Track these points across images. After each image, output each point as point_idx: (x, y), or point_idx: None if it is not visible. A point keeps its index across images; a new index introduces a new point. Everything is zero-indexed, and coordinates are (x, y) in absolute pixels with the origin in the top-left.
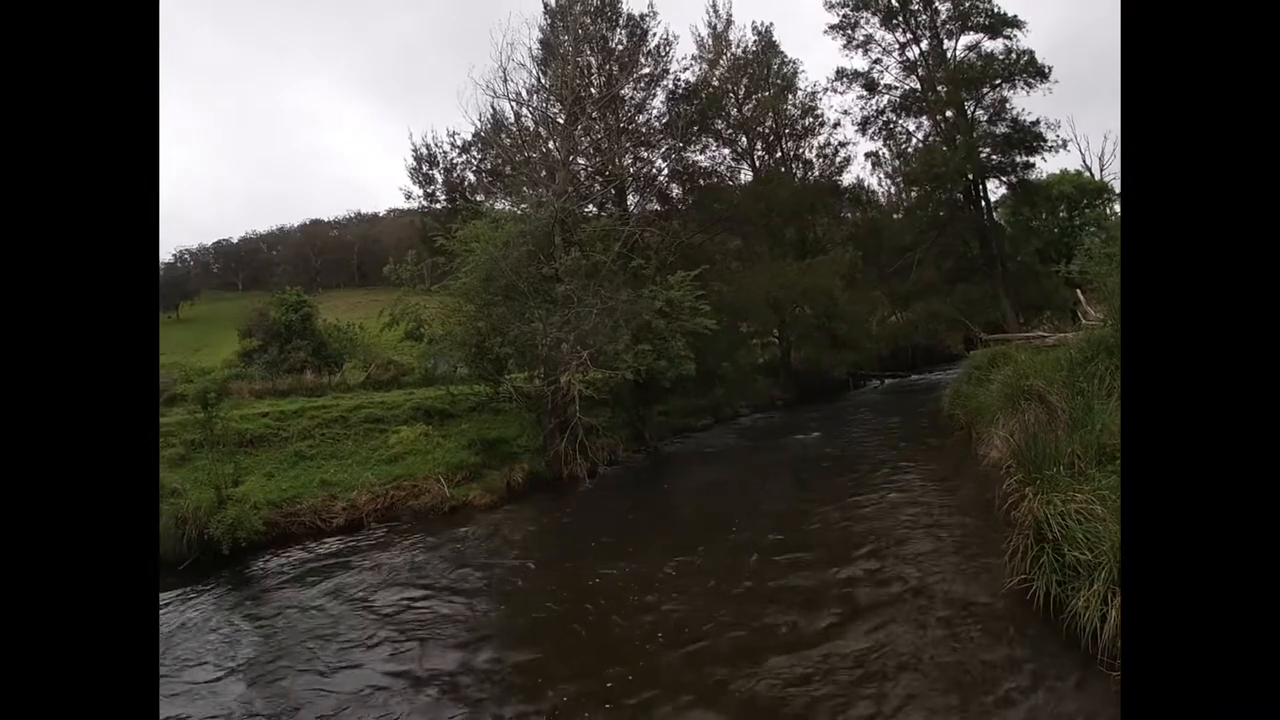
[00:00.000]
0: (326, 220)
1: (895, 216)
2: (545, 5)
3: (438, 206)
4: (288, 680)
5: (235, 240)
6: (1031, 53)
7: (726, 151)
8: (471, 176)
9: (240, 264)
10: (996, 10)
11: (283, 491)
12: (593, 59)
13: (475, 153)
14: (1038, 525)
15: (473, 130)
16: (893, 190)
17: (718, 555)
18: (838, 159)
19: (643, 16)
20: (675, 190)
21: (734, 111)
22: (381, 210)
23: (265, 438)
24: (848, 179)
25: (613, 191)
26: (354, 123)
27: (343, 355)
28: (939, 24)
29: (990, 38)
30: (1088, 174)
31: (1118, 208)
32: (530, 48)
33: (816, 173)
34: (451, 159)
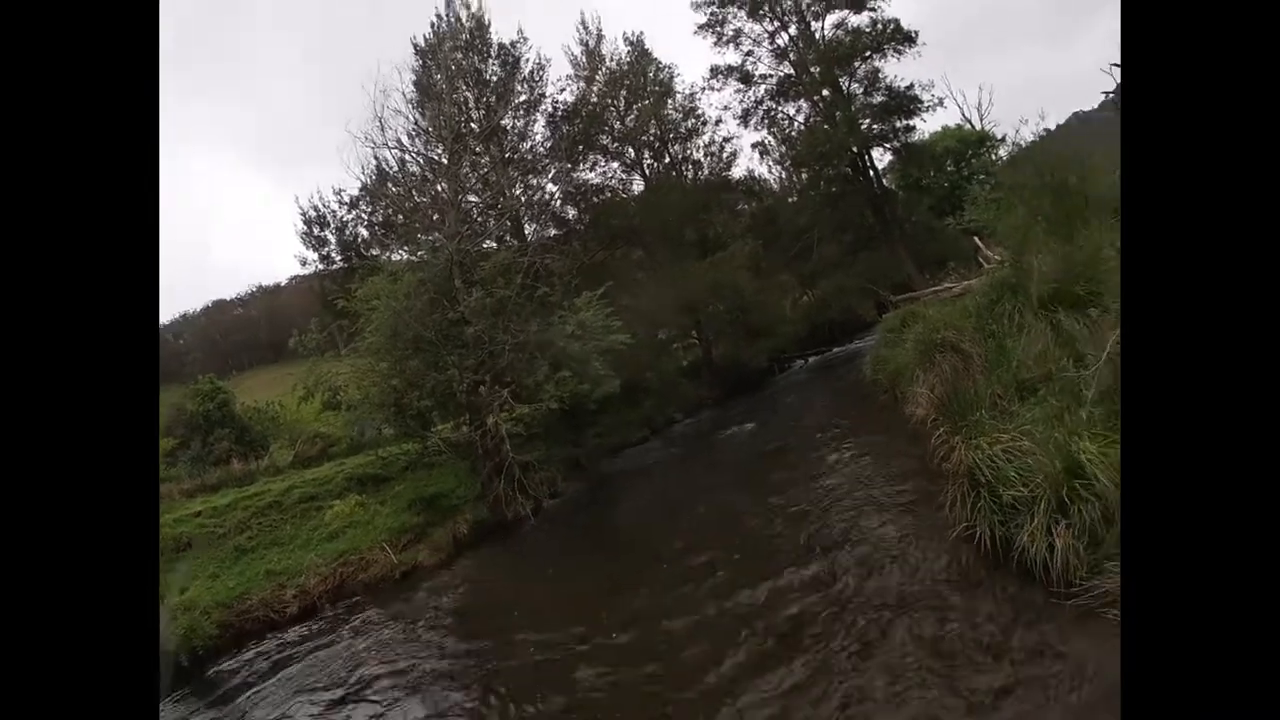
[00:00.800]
0: (229, 299)
1: (790, 200)
2: (415, 46)
3: (335, 267)
4: None
5: None
6: (897, 21)
7: (615, 165)
8: (364, 231)
9: None
10: None
11: (230, 591)
12: (469, 93)
13: (364, 207)
14: (970, 472)
15: (359, 185)
16: (783, 176)
17: (660, 578)
18: (725, 154)
19: (513, 44)
20: (571, 212)
21: (617, 125)
22: (283, 280)
23: (203, 538)
24: (738, 172)
25: (508, 223)
26: (246, 196)
27: (267, 437)
28: (804, 7)
29: (855, 12)
30: (968, 126)
31: (1003, 152)
32: (404, 91)
33: (706, 172)
34: (341, 217)
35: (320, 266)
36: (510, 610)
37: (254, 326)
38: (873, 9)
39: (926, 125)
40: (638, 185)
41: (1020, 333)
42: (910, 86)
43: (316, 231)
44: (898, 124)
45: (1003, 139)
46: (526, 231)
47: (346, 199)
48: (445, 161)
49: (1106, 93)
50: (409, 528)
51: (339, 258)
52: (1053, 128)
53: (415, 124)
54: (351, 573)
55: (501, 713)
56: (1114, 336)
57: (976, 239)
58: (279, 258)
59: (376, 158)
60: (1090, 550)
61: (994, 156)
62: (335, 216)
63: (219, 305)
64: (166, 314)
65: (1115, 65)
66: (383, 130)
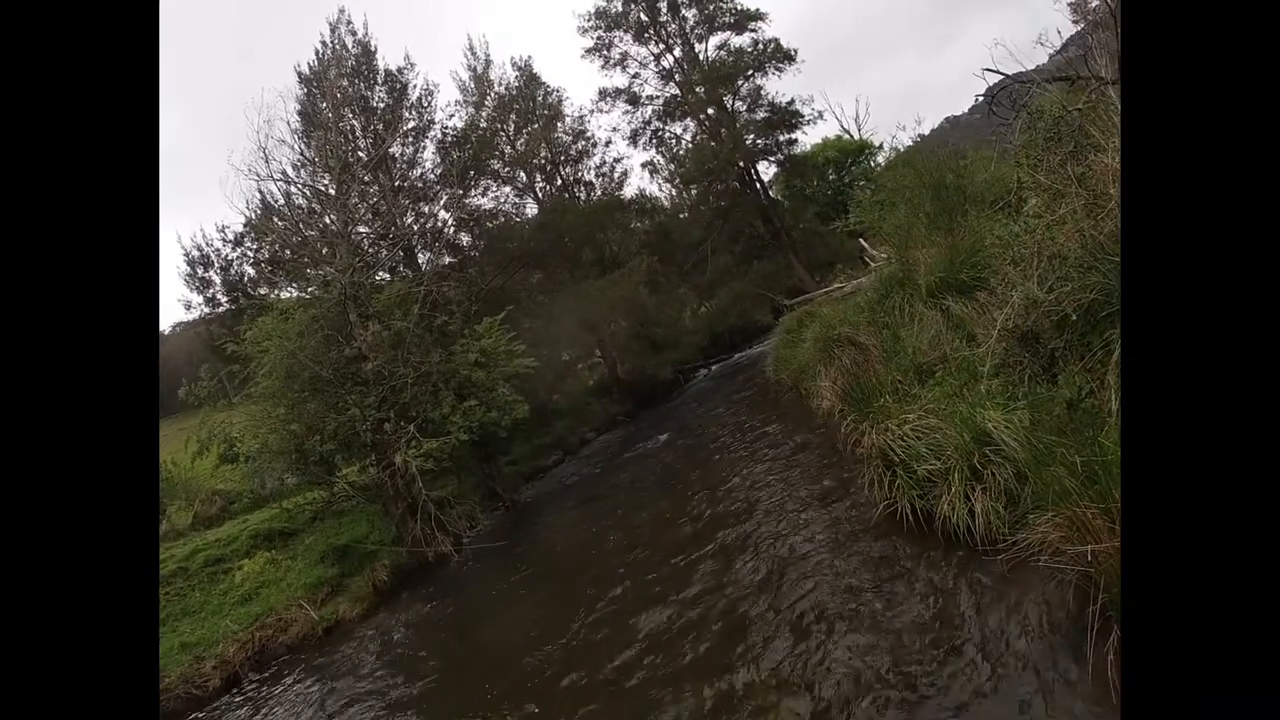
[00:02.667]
0: None
1: (682, 216)
2: (299, 75)
3: (221, 310)
4: None
5: None
6: (777, 40)
7: (508, 189)
8: (250, 270)
9: None
10: (739, 8)
11: None
12: (356, 122)
13: (250, 243)
14: (883, 453)
15: (243, 220)
16: (674, 193)
17: (587, 606)
18: (616, 174)
19: (400, 70)
20: (465, 239)
21: (508, 149)
22: (166, 328)
23: None
24: (630, 191)
25: (401, 253)
26: None
27: (163, 499)
28: (688, 30)
29: (737, 34)
30: (847, 136)
31: (880, 159)
32: (288, 121)
33: (599, 192)
34: (226, 255)
35: (206, 310)
36: (439, 655)
37: None
38: (754, 30)
39: (808, 138)
40: (531, 209)
41: (913, 322)
42: (791, 102)
43: (200, 272)
44: (781, 138)
45: (880, 146)
46: (421, 260)
47: (231, 236)
48: (333, 192)
49: (979, 95)
50: (325, 580)
51: (225, 299)
52: (927, 132)
53: (301, 154)
54: (271, 635)
55: None
56: (1001, 315)
57: (862, 240)
58: (162, 303)
59: (261, 191)
60: (1009, 509)
61: (872, 163)
62: (219, 255)
63: None
64: None
65: (987, 70)
66: (267, 162)
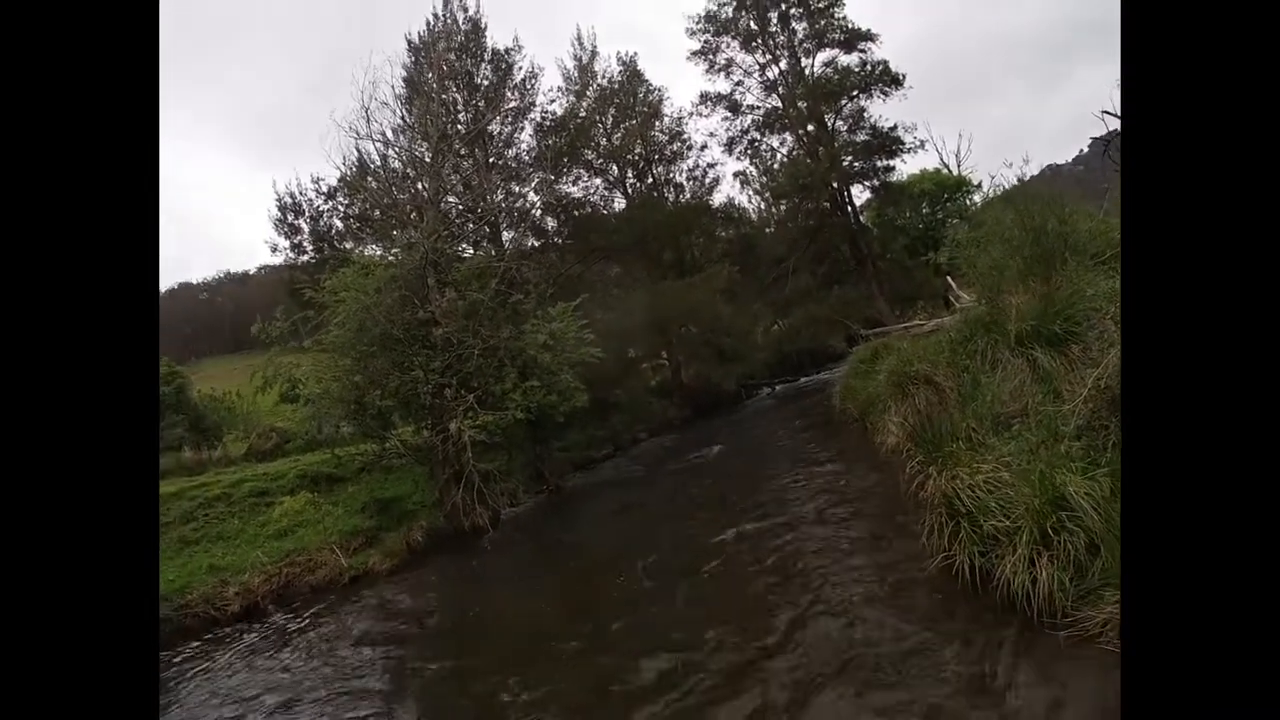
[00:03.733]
0: (195, 283)
1: (767, 230)
2: (409, 43)
3: (305, 258)
4: None
5: None
6: (886, 63)
7: (598, 181)
8: (339, 223)
9: None
10: (851, 26)
11: (170, 583)
12: (458, 95)
13: (341, 198)
14: (948, 501)
15: (338, 175)
16: (763, 205)
17: (615, 612)
18: (707, 180)
19: (508, 50)
20: (550, 223)
21: (603, 141)
22: (252, 268)
23: None
24: (719, 198)
25: (487, 229)
26: (223, 179)
27: (221, 427)
28: (796, 43)
29: (846, 52)
30: (945, 170)
31: (977, 198)
32: (393, 85)
33: (688, 195)
34: (317, 206)
35: (291, 255)
36: (459, 626)
37: (218, 314)
38: (863, 50)
39: (906, 166)
40: (619, 203)
41: (995, 369)
42: (894, 128)
43: (290, 219)
44: (879, 163)
45: (978, 185)
46: (505, 239)
47: (324, 189)
48: (428, 160)
49: (1091, 139)
50: (361, 531)
51: (311, 248)
52: (1026, 177)
53: (402, 119)
54: (298, 573)
55: None
56: (1094, 372)
57: (949, 279)
58: (250, 246)
59: (359, 149)
60: (1076, 582)
61: (968, 201)
62: (311, 205)
63: (184, 289)
64: None
65: (1107, 112)
66: (368, 122)
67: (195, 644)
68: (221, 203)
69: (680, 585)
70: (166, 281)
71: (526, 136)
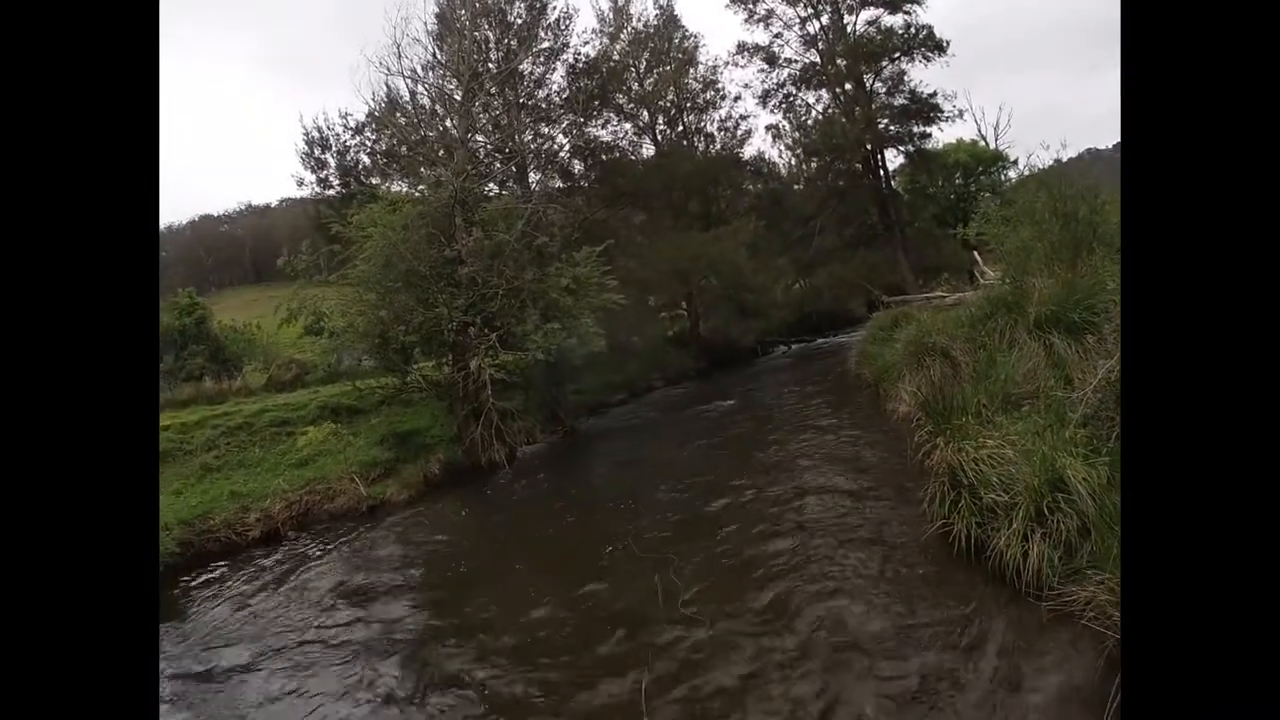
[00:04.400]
0: (216, 215)
1: (796, 187)
2: None
3: (331, 193)
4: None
5: None
6: (930, 27)
7: (628, 126)
8: (365, 159)
9: None
10: None
11: (193, 509)
12: (490, 33)
13: (369, 134)
14: (952, 472)
15: (366, 110)
16: (793, 162)
17: (622, 551)
18: (739, 132)
19: None
20: (577, 166)
21: (635, 86)
22: (274, 201)
23: (169, 453)
24: (749, 151)
25: (514, 169)
26: (247, 110)
27: (242, 358)
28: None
29: (890, 12)
30: (983, 143)
31: (1012, 174)
32: (425, 21)
33: (718, 146)
34: (344, 141)
35: (316, 189)
36: (470, 556)
37: (239, 245)
38: (908, 12)
39: (943, 135)
40: (648, 149)
41: (1012, 349)
42: (934, 94)
43: (317, 153)
44: (915, 129)
45: (1014, 162)
46: (532, 180)
47: (352, 124)
48: (459, 98)
49: None
50: (379, 462)
51: (337, 182)
52: (1064, 160)
53: (433, 56)
54: (318, 501)
55: (434, 669)
56: (1107, 364)
57: (975, 254)
58: (272, 179)
59: (389, 85)
60: (1064, 561)
61: (1003, 177)
62: (338, 140)
63: (205, 220)
64: None
65: None
66: (399, 58)
67: (220, 564)
68: (247, 132)
69: (679, 533)
70: (187, 213)
71: (558, 78)
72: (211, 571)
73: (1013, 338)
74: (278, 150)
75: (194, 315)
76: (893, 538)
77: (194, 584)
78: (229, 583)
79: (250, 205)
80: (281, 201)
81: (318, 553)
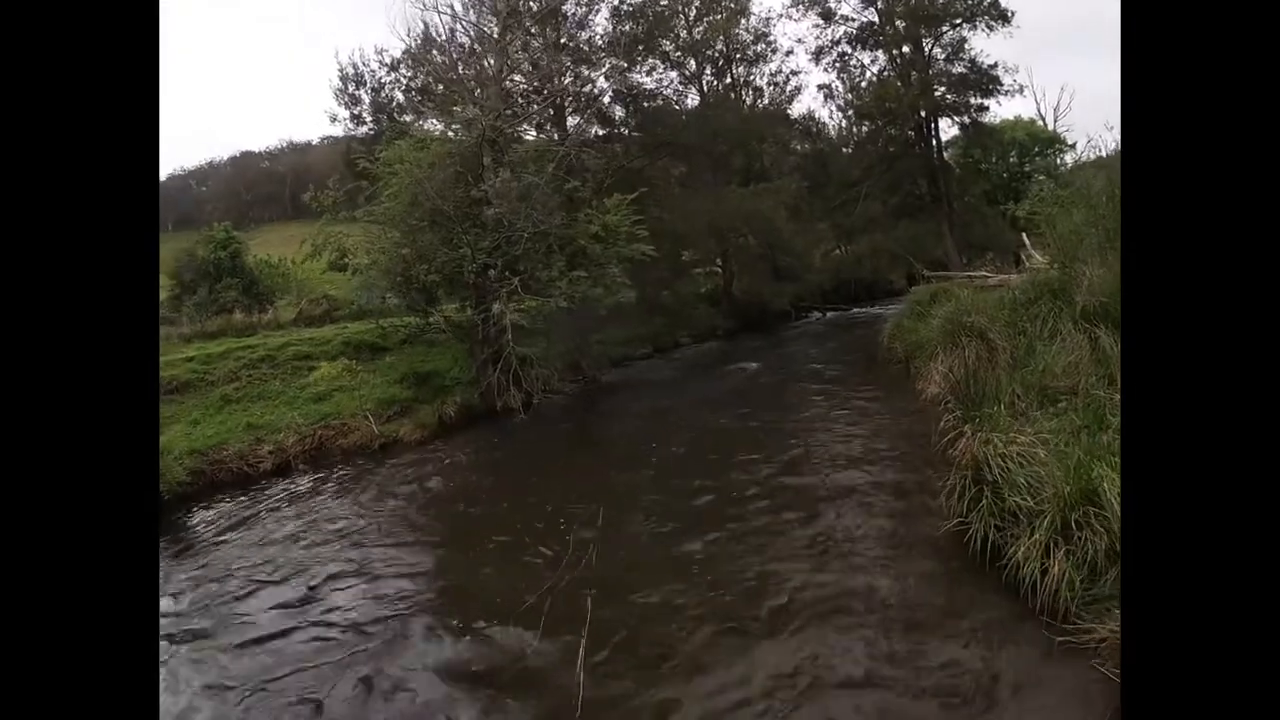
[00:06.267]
0: (257, 151)
1: (845, 150)
2: None
3: (364, 130)
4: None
5: (163, 178)
6: None
7: (674, 74)
8: (400, 96)
9: (169, 203)
10: None
11: (208, 439)
12: None
13: (405, 71)
14: (976, 465)
15: (402, 48)
16: (843, 124)
17: (632, 508)
18: (789, 88)
19: None
20: (618, 112)
21: (683, 33)
22: (315, 138)
23: (191, 383)
24: (798, 109)
25: (550, 111)
26: (288, 44)
27: (275, 292)
28: None
29: None
30: (1040, 123)
31: (1068, 159)
32: None
33: (766, 100)
34: (379, 78)
35: (350, 126)
36: (474, 500)
37: (279, 182)
38: None
39: (1000, 109)
40: (693, 100)
41: (1053, 339)
42: (994, 65)
43: (352, 89)
44: (972, 100)
45: (1072, 146)
46: (570, 124)
47: (388, 60)
48: (495, 35)
49: None
50: (397, 400)
51: (370, 119)
52: None
53: None
54: (331, 436)
55: (446, 607)
56: None
57: (1024, 235)
58: (313, 115)
59: (425, 22)
60: (1087, 585)
61: (1058, 161)
62: (373, 76)
63: (245, 156)
64: (191, 159)
65: None
66: None
67: (228, 497)
68: (278, 67)
69: (690, 496)
70: (227, 149)
71: (602, 19)
72: (219, 503)
73: (1056, 327)
74: (321, 86)
75: (228, 249)
76: (905, 531)
77: (198, 516)
78: (231, 510)
79: (291, 142)
80: (323, 139)
81: (322, 487)
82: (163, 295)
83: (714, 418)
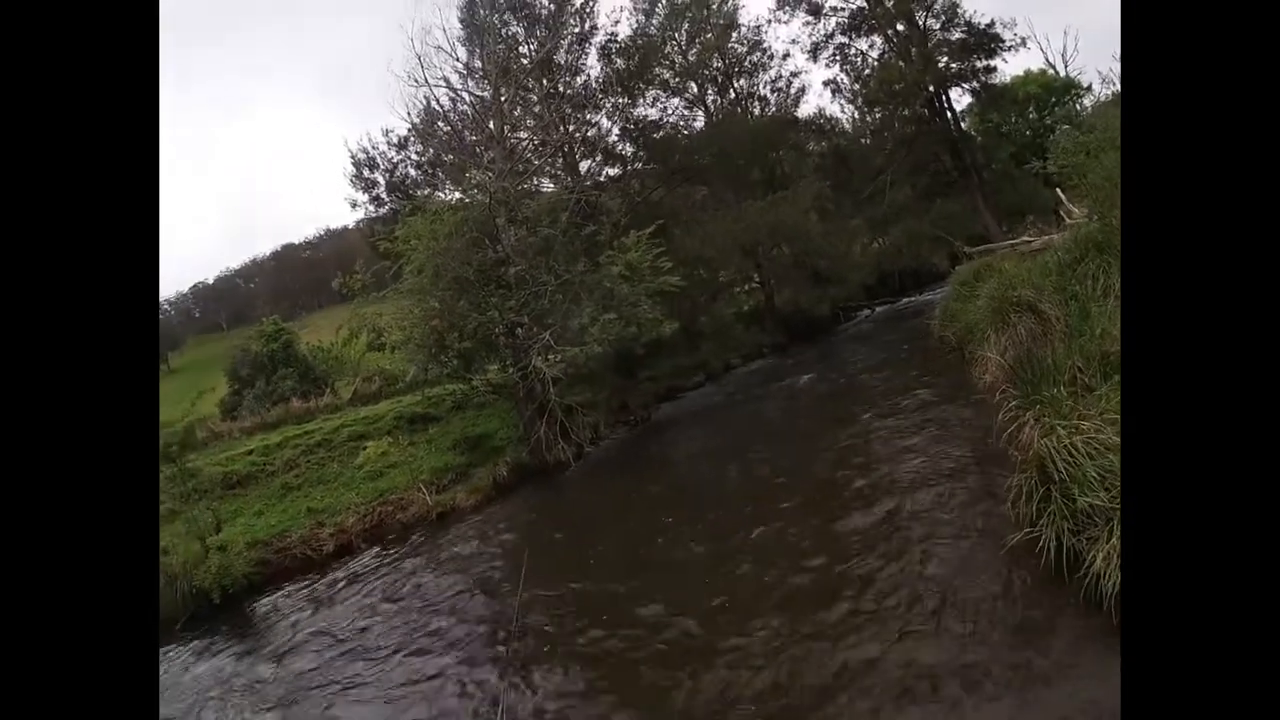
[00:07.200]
0: (298, 243)
1: (863, 141)
2: None
3: (384, 210)
4: None
5: (211, 280)
6: None
7: (677, 101)
8: (414, 172)
9: (221, 304)
10: None
11: (271, 528)
12: (519, 28)
13: (413, 147)
14: (1041, 462)
15: (407, 126)
16: (856, 115)
17: (688, 552)
18: (793, 90)
19: None
20: (628, 149)
21: (679, 59)
22: (350, 223)
23: (252, 475)
24: (807, 110)
25: (560, 160)
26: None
27: (330, 375)
28: None
29: None
30: (1051, 72)
31: (1087, 102)
32: (445, 28)
33: (773, 108)
34: (390, 158)
35: (370, 209)
36: (529, 560)
37: (322, 268)
38: None
39: (1008, 67)
40: (699, 122)
41: (1107, 296)
42: (991, 24)
43: (366, 174)
44: (978, 63)
45: (1088, 88)
46: (582, 169)
47: (395, 140)
48: (489, 97)
49: None
50: (452, 467)
51: (388, 199)
52: None
53: (465, 63)
54: (390, 512)
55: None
56: None
57: (1059, 190)
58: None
59: (425, 98)
60: None
61: (1078, 106)
62: (385, 158)
63: (288, 249)
64: (237, 259)
65: None
66: (423, 69)
67: (292, 582)
68: (309, 163)
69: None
70: (268, 246)
71: (593, 61)
72: (283, 590)
73: (1107, 283)
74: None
75: (280, 340)
76: (969, 545)
77: (264, 605)
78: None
79: (329, 229)
80: (358, 223)
81: (386, 564)
82: (221, 392)
83: (766, 449)
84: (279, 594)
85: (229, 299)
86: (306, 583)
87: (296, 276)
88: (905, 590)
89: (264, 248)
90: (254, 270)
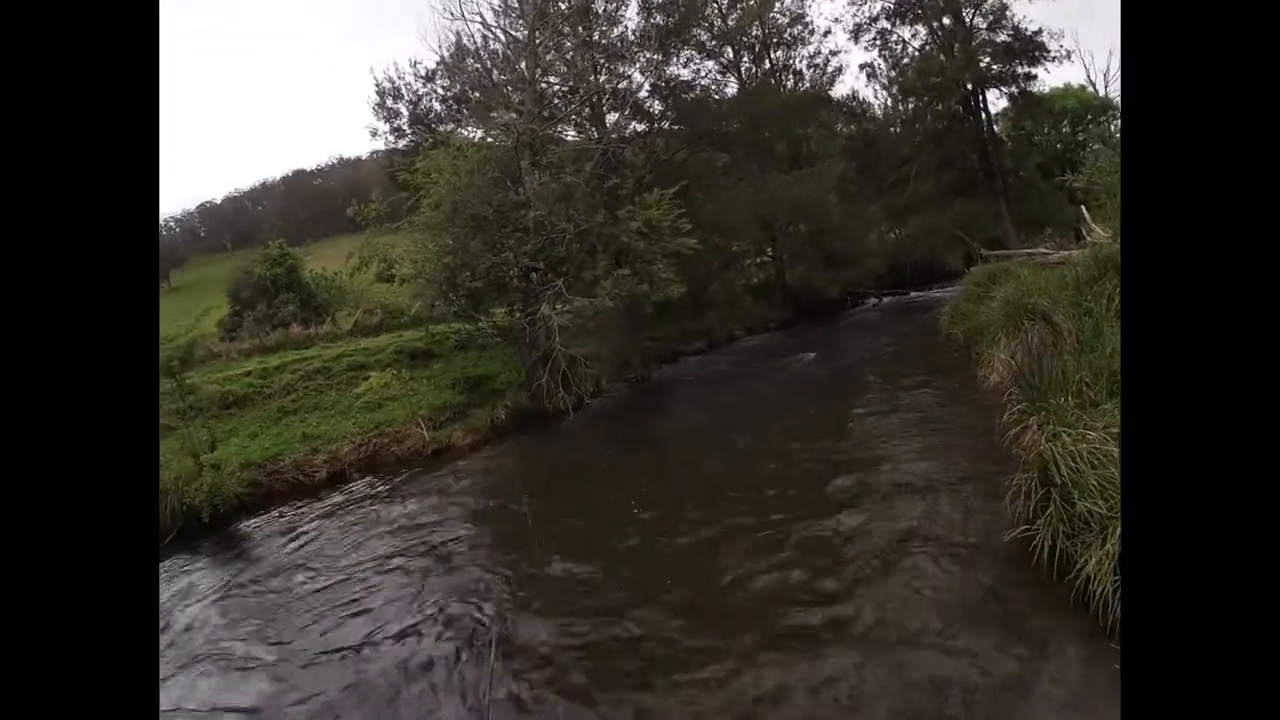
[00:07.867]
0: (309, 169)
1: (892, 129)
2: None
3: (404, 142)
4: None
5: (219, 200)
6: None
7: (711, 64)
8: (438, 106)
9: (227, 224)
10: None
11: (265, 450)
12: None
13: (441, 80)
14: (1043, 465)
15: (436, 59)
16: (888, 103)
17: (681, 510)
18: (829, 69)
19: None
20: (656, 106)
21: (718, 22)
22: (364, 153)
23: (249, 397)
24: (841, 90)
25: (588, 110)
26: (336, 64)
27: (331, 304)
28: None
29: None
30: (1091, 89)
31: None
32: None
33: (807, 84)
34: (416, 90)
35: (391, 139)
36: (523, 506)
37: (332, 197)
38: None
39: (1049, 77)
40: (731, 88)
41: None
42: (1038, 32)
43: (389, 103)
44: (1019, 69)
45: None
46: (610, 121)
47: (423, 72)
48: (525, 39)
49: None
50: (450, 405)
51: (409, 131)
52: None
53: (502, 0)
54: (385, 444)
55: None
56: None
57: (1084, 208)
58: (363, 132)
59: (457, 33)
60: None
61: (1113, 128)
62: (410, 89)
63: (299, 175)
64: (247, 181)
65: None
66: (461, 3)
67: (281, 505)
68: (329, 87)
69: (744, 500)
70: (281, 169)
71: (633, 13)
72: (272, 512)
73: None
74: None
75: (284, 265)
76: (965, 539)
77: (252, 525)
78: (290, 519)
79: (342, 158)
80: (372, 154)
81: (374, 494)
82: (222, 312)
83: (765, 419)
84: (269, 515)
85: (235, 221)
86: (298, 506)
87: (305, 203)
88: (895, 582)
89: (274, 171)
90: (263, 194)
